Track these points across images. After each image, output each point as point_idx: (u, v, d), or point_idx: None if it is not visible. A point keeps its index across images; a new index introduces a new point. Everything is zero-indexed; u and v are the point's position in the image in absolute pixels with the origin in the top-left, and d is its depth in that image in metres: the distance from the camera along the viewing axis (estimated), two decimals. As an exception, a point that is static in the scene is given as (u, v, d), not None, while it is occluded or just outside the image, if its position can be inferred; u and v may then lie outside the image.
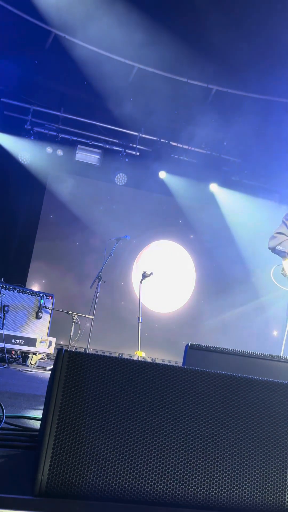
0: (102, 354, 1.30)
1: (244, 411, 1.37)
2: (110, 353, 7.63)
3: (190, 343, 2.23)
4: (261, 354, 2.31)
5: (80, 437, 1.19)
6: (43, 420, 1.29)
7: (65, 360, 1.22)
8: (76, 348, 6.95)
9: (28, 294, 5.44)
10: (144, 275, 5.83)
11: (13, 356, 5.33)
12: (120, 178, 7.96)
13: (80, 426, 1.20)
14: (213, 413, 1.33)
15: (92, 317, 5.85)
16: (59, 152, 7.54)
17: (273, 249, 3.89)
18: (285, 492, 1.32)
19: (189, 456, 1.26)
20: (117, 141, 7.95)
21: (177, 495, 1.22)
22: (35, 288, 7.64)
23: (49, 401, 1.22)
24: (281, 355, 2.30)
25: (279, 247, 3.84)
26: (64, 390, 1.21)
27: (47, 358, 6.24)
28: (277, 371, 2.24)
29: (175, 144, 7.97)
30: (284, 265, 3.88)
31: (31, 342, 5.29)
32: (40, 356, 5.48)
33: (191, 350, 2.15)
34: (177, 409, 1.30)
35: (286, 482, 1.33)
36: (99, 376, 1.25)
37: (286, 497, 1.32)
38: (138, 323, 5.57)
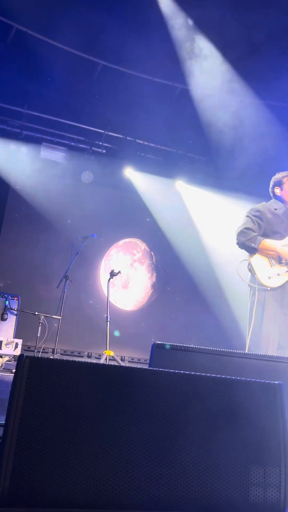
0: (68, 357, 1.27)
1: (212, 410, 1.38)
2: (79, 353, 7.55)
3: (156, 342, 2.22)
4: (229, 351, 2.33)
5: (43, 444, 1.16)
6: (5, 427, 1.25)
7: (26, 366, 1.19)
8: (44, 349, 6.84)
9: (-7, 296, 5.31)
10: (112, 274, 5.79)
11: (-22, 360, 5.20)
12: (86, 176, 7.88)
13: (42, 433, 1.17)
14: (180, 414, 1.33)
15: (60, 317, 5.77)
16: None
17: (242, 244, 3.81)
18: (249, 487, 1.34)
19: (155, 459, 1.26)
20: (82, 138, 7.85)
21: (143, 498, 1.21)
22: (0, 289, 7.46)
23: (10, 409, 1.18)
24: (246, 351, 2.33)
25: (247, 243, 3.78)
26: (25, 396, 1.17)
27: (14, 360, 6.11)
28: (243, 368, 2.26)
29: (141, 141, 7.95)
30: (251, 261, 3.85)
31: (-4, 344, 5.17)
32: (6, 358, 5.37)
33: (158, 350, 2.15)
34: (144, 412, 1.29)
35: (250, 477, 1.35)
36: (61, 381, 1.22)
37: (250, 492, 1.34)
38: (107, 322, 5.53)
